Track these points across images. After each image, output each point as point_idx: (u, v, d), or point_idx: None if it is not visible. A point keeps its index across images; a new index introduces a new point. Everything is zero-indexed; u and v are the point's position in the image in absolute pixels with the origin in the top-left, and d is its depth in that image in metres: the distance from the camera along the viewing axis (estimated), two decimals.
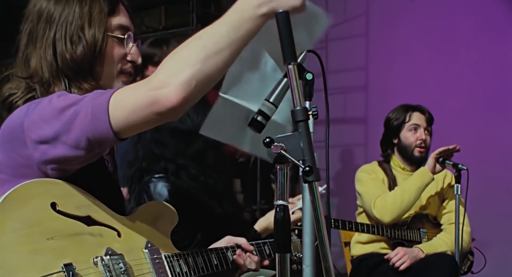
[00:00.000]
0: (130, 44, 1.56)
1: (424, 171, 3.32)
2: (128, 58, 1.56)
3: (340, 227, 3.28)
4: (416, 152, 3.41)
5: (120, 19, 1.55)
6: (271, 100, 1.47)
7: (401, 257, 3.23)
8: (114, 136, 1.29)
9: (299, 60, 1.45)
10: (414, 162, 3.44)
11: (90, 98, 1.32)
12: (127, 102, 1.27)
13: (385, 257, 3.30)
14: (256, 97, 1.40)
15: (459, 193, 3.25)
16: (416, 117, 3.45)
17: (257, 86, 1.42)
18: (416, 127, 3.43)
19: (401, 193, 3.29)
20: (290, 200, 2.12)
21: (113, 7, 1.54)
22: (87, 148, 1.32)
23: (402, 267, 3.21)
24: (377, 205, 3.32)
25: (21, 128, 1.36)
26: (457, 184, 3.27)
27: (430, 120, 3.45)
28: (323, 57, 1.50)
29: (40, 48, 1.50)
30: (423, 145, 3.40)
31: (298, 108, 1.24)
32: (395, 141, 3.50)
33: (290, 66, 1.26)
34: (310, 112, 1.25)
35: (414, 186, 3.30)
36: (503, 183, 4.94)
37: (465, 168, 3.29)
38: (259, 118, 1.47)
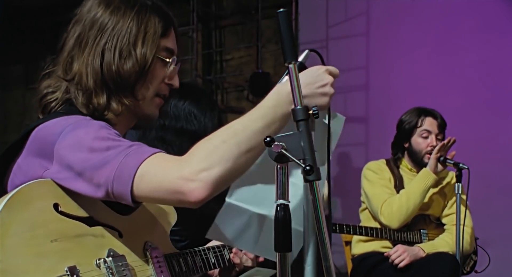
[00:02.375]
0: (172, 68, 1.56)
1: (427, 172, 3.31)
2: (167, 81, 1.57)
3: (338, 230, 3.28)
4: (426, 159, 3.38)
5: (168, 42, 1.55)
6: None
7: (400, 254, 3.23)
8: (131, 201, 1.31)
9: (301, 59, 1.45)
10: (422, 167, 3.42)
11: (124, 151, 1.32)
12: (154, 179, 1.28)
13: (385, 254, 3.30)
14: (260, 201, 1.42)
15: (460, 192, 3.24)
16: (428, 123, 3.42)
17: (261, 190, 1.44)
18: (427, 134, 3.41)
19: (406, 198, 3.29)
20: None
21: (166, 29, 1.54)
22: (104, 196, 1.34)
23: (401, 265, 3.21)
24: (384, 212, 3.32)
25: (52, 147, 1.37)
26: (458, 183, 3.26)
27: (442, 126, 3.42)
28: (324, 56, 1.49)
29: (88, 54, 1.49)
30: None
31: (298, 107, 1.24)
32: (406, 145, 3.48)
33: (291, 65, 1.26)
34: (310, 112, 1.25)
35: (419, 190, 3.29)
36: (505, 181, 4.93)
37: (466, 167, 3.28)
38: None
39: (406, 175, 3.48)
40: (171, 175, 1.27)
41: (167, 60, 1.54)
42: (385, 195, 3.37)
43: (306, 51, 1.48)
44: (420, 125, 3.41)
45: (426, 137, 3.41)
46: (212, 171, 1.25)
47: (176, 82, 1.58)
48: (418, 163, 3.44)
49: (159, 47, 1.52)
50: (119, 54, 1.48)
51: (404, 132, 3.46)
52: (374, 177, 3.45)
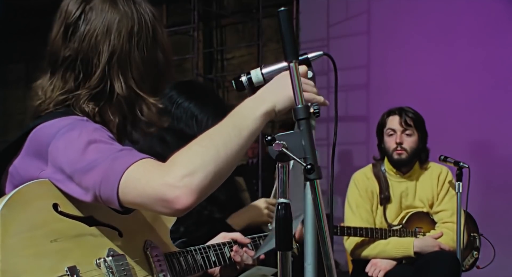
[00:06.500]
0: None
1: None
2: None
3: (339, 233, 3.29)
4: (395, 155, 3.43)
5: None
6: (263, 72, 1.48)
7: (375, 268, 3.32)
8: (119, 205, 1.30)
9: (311, 56, 1.45)
10: (396, 165, 3.45)
11: (112, 155, 1.31)
12: (138, 185, 1.27)
13: (366, 270, 3.35)
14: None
15: (460, 191, 3.24)
16: (392, 122, 3.47)
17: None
18: (392, 132, 3.46)
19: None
20: None
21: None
22: (93, 199, 1.33)
23: (379, 275, 3.29)
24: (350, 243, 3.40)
25: (46, 147, 1.37)
26: (459, 182, 3.26)
27: (407, 123, 3.43)
28: None
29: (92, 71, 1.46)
30: (399, 148, 3.41)
31: (299, 106, 1.24)
32: (382, 146, 3.53)
33: (292, 64, 1.26)
34: (311, 111, 1.25)
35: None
36: (505, 179, 4.94)
37: (467, 166, 3.28)
38: (243, 79, 1.48)
39: (394, 179, 3.48)
40: (155, 181, 1.25)
41: None
42: (359, 222, 3.40)
43: (320, 52, 1.48)
44: (386, 126, 3.48)
45: (391, 136, 3.45)
46: (195, 175, 1.24)
47: None
48: (391, 162, 3.46)
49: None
50: (122, 72, 1.46)
51: (378, 134, 3.53)
52: (356, 194, 3.49)
